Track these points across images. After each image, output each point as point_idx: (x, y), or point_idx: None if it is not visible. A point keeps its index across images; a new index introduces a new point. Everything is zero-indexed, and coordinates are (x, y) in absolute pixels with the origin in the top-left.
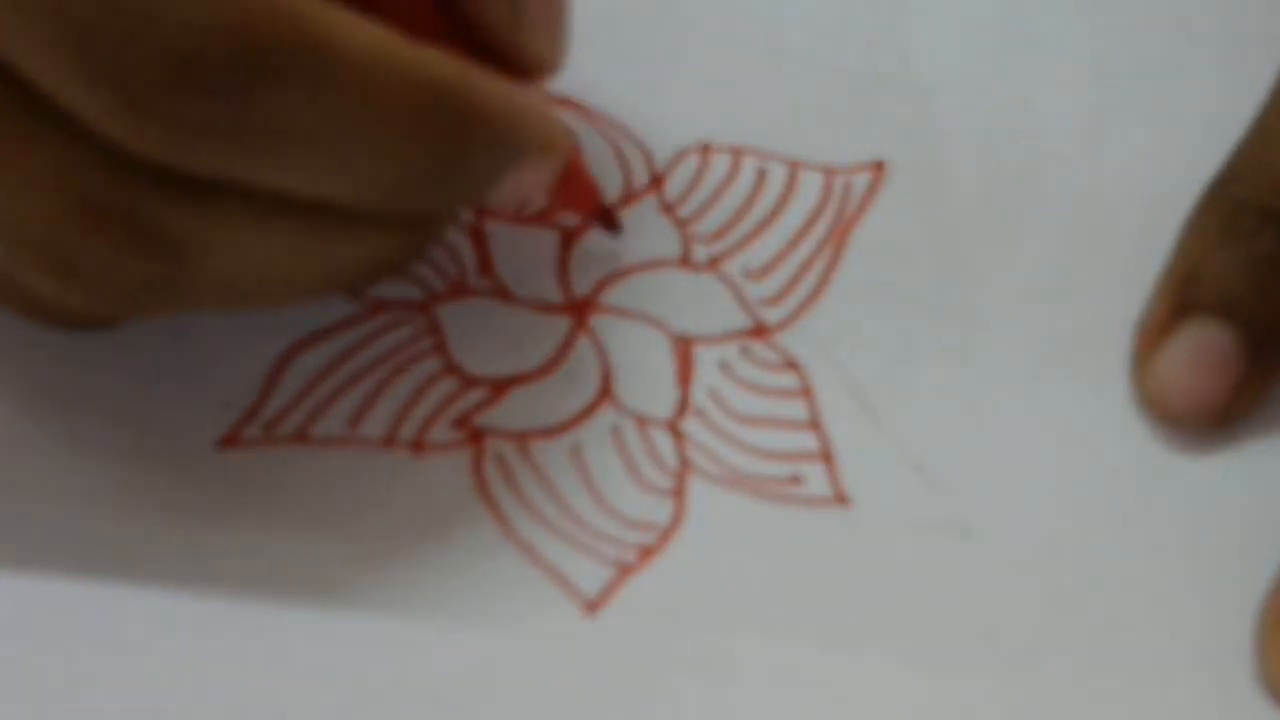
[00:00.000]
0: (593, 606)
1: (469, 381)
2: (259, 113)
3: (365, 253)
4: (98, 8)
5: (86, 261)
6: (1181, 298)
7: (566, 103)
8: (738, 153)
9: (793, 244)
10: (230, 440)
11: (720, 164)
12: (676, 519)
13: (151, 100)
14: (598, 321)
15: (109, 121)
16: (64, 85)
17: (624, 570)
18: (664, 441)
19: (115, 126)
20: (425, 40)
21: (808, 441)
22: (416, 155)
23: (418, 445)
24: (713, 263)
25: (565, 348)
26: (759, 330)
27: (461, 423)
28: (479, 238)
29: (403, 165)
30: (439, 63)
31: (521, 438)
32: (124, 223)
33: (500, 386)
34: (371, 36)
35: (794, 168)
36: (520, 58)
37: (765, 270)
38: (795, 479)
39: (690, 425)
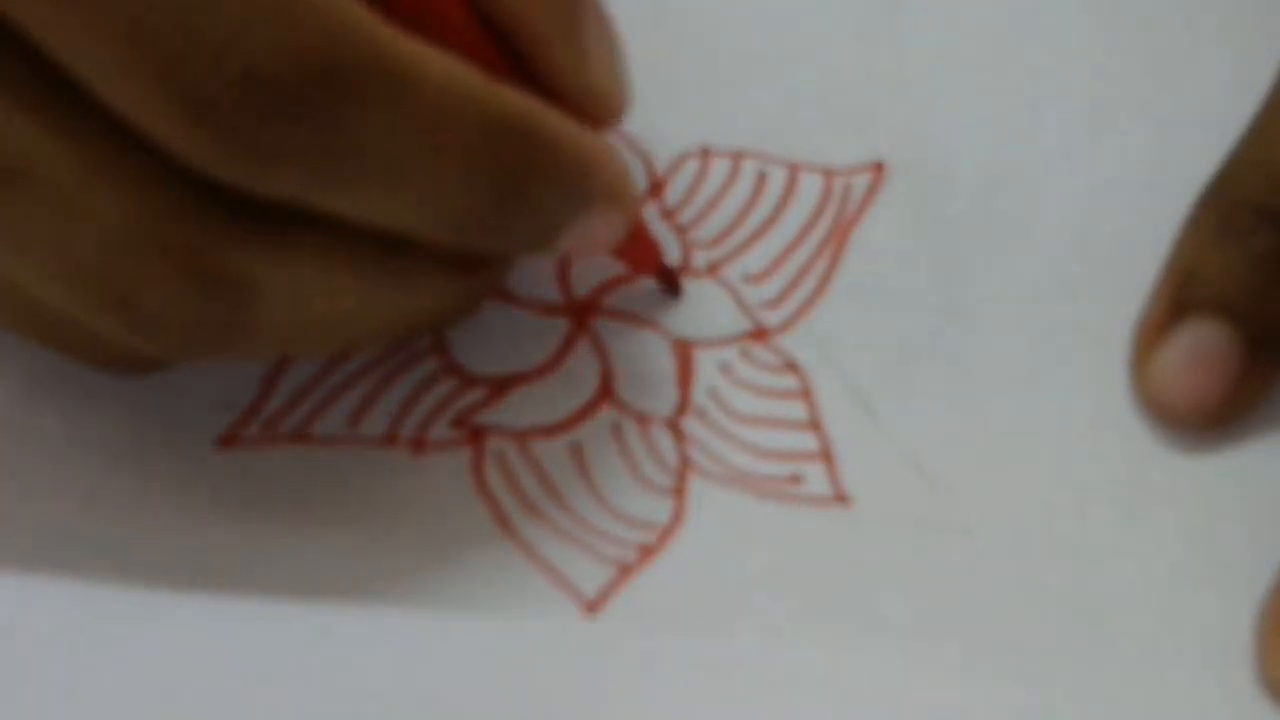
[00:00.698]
0: (593, 606)
1: (469, 381)
2: (340, 135)
3: (425, 301)
4: (183, 31)
5: (150, 301)
6: (1180, 297)
7: None
8: (738, 156)
9: (793, 246)
10: (230, 439)
11: (720, 168)
12: (677, 518)
13: (235, 123)
14: (598, 324)
15: (190, 147)
16: (144, 110)
17: (624, 570)
18: (664, 440)
19: (196, 152)
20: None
21: (808, 441)
22: (488, 186)
23: (417, 444)
24: (712, 268)
25: (565, 349)
26: (759, 333)
27: (461, 421)
28: None
29: (474, 196)
30: (512, 95)
31: (521, 436)
32: (189, 262)
33: (500, 386)
34: (446, 64)
35: (794, 170)
36: (587, 102)
37: (765, 273)
38: (795, 478)
39: (690, 424)
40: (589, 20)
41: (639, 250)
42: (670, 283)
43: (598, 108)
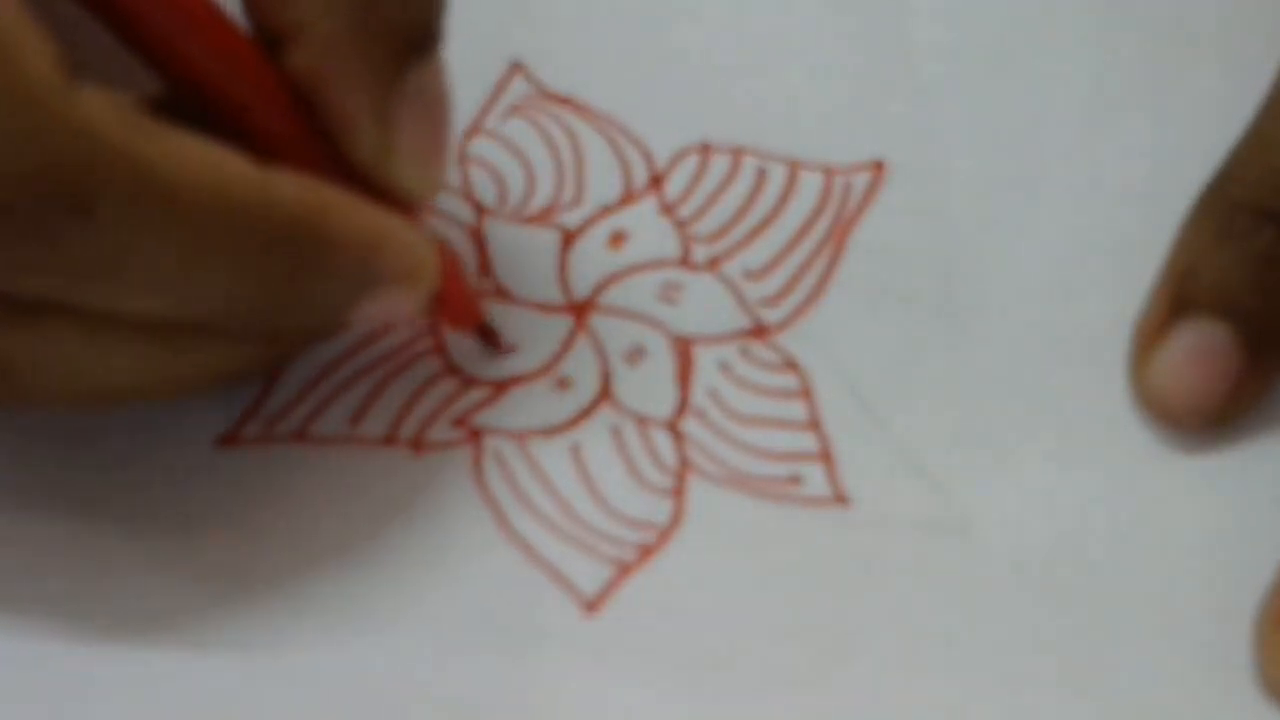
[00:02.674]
0: (592, 606)
1: (469, 381)
2: (78, 249)
3: (217, 364)
4: None
5: None
6: (1179, 296)
7: (567, 102)
8: (738, 153)
9: (792, 244)
10: (230, 438)
11: (720, 164)
12: (676, 519)
13: None
14: (597, 322)
15: None
16: None
17: (623, 569)
18: (664, 441)
19: None
20: (294, 161)
21: (807, 441)
22: (258, 283)
23: (418, 444)
24: (712, 263)
25: (565, 348)
26: (758, 330)
27: (461, 421)
28: (479, 238)
29: (243, 292)
30: (290, 189)
31: (521, 436)
32: None
33: (500, 386)
34: (210, 165)
35: (794, 168)
36: (390, 189)
37: (765, 270)
38: (795, 479)
39: (690, 425)
40: (406, 107)
41: (457, 308)
42: (489, 339)
43: (400, 193)
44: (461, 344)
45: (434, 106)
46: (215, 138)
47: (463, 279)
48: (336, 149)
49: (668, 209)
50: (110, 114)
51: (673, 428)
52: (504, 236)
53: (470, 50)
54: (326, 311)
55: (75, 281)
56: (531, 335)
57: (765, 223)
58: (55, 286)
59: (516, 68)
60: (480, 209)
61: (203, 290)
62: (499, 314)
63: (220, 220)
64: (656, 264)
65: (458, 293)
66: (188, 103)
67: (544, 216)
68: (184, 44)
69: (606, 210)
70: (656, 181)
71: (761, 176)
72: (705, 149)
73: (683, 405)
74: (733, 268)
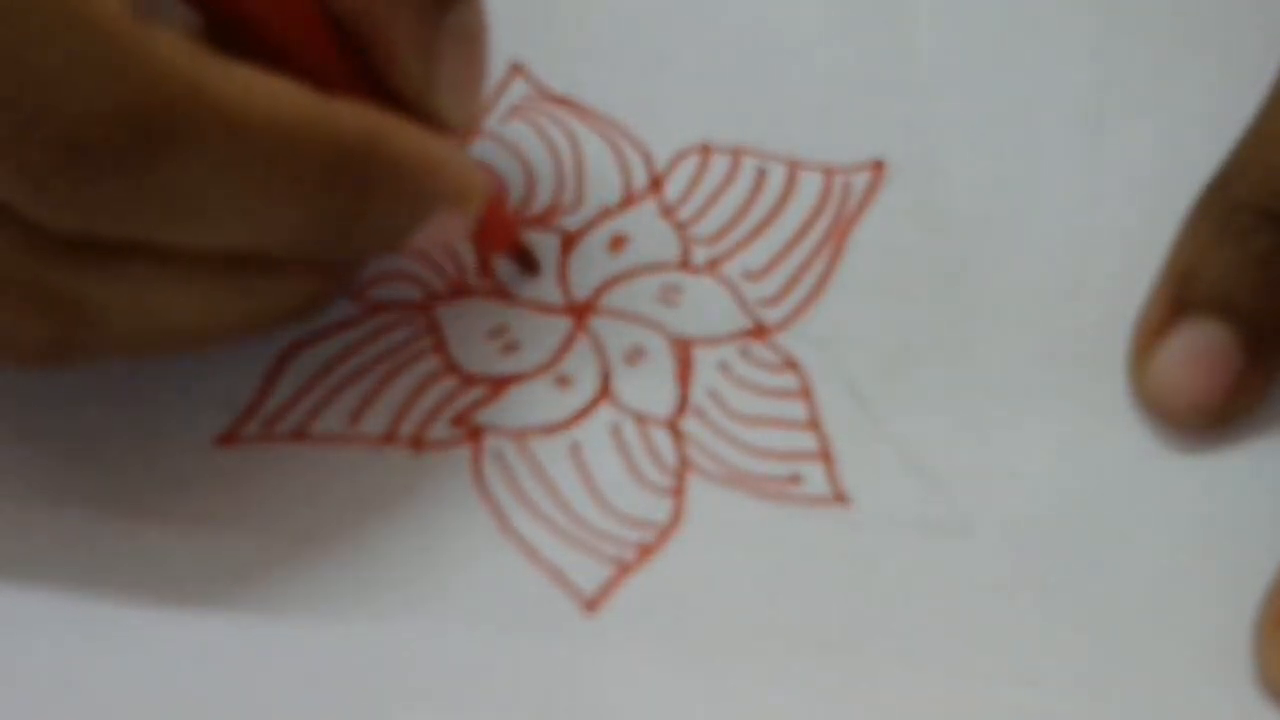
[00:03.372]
0: (592, 605)
1: (468, 380)
2: (159, 184)
3: (279, 301)
4: None
5: None
6: (1179, 296)
7: (567, 104)
8: (737, 153)
9: (792, 244)
10: (229, 437)
11: (720, 164)
12: (676, 518)
13: (53, 184)
14: (597, 323)
15: (15, 200)
16: None
17: (623, 569)
18: (663, 440)
19: (20, 205)
20: (339, 93)
21: (807, 441)
22: (325, 210)
23: (417, 443)
24: (712, 265)
25: (565, 348)
26: (758, 331)
27: (461, 420)
28: None
29: (311, 220)
30: (349, 116)
31: (521, 435)
32: (28, 290)
33: (499, 385)
34: (274, 96)
35: (793, 168)
36: (433, 117)
37: (765, 271)
38: (795, 478)
39: (690, 424)
40: (446, 41)
41: (497, 233)
42: (526, 262)
43: (443, 121)
44: (462, 342)
45: (474, 41)
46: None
47: (505, 202)
48: (379, 84)
49: (668, 211)
50: (181, 51)
51: (673, 427)
52: None
53: None
54: (386, 236)
55: (154, 219)
56: (531, 335)
57: (765, 223)
58: (135, 225)
59: (516, 69)
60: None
61: (274, 219)
62: (498, 312)
63: (290, 148)
64: (656, 267)
65: (499, 216)
66: (231, 40)
67: (544, 219)
68: None
69: (607, 213)
70: (656, 183)
71: (761, 177)
72: (705, 150)
73: (683, 404)
74: (732, 268)
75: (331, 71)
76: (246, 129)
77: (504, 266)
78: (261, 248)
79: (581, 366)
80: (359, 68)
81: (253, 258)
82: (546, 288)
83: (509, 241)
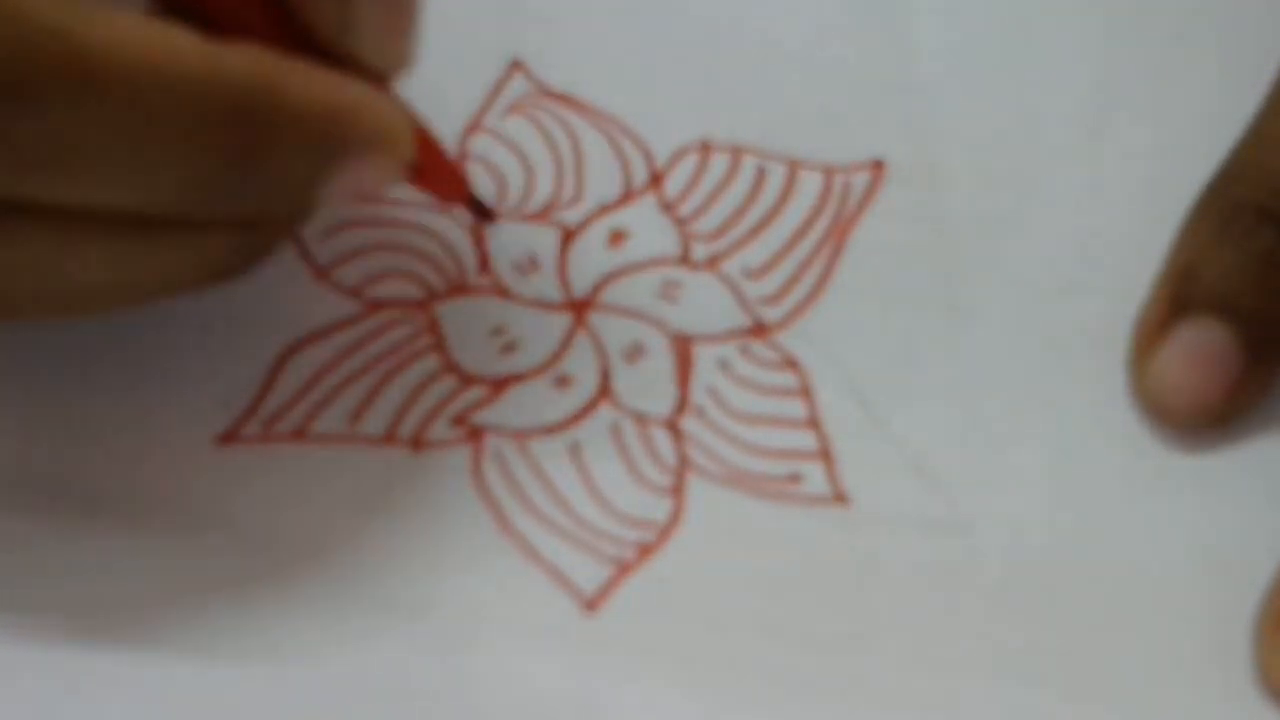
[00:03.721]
0: (591, 604)
1: (468, 380)
2: (26, 137)
3: (195, 259)
4: None
5: None
6: (1179, 296)
7: (566, 100)
8: (737, 151)
9: (792, 243)
10: (229, 437)
11: (720, 163)
12: (675, 517)
13: None
14: (597, 320)
15: None
16: None
17: (623, 568)
18: (663, 439)
19: None
20: (246, 37)
21: (807, 440)
22: (216, 162)
23: (417, 442)
24: (712, 262)
25: (564, 346)
26: (758, 329)
27: (461, 420)
28: (478, 236)
29: (202, 173)
30: (237, 61)
31: (521, 435)
32: None
33: (499, 385)
34: (152, 44)
35: (793, 167)
36: (354, 60)
37: (764, 269)
38: (794, 477)
39: (689, 423)
40: None
41: (442, 181)
42: (480, 211)
43: (365, 65)
44: (462, 341)
45: None
46: (159, 16)
47: (439, 149)
48: (298, 28)
49: (667, 207)
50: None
51: (672, 426)
52: (503, 234)
53: (470, 48)
54: (295, 187)
55: (25, 173)
56: (531, 333)
57: (765, 222)
58: (7, 181)
59: (516, 65)
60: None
61: (160, 173)
62: (498, 310)
63: (168, 97)
64: (656, 262)
65: (437, 163)
66: None
67: (544, 214)
68: None
69: (606, 208)
70: (656, 180)
71: (761, 175)
72: (705, 148)
73: (682, 403)
74: (732, 266)
75: (245, 18)
76: (118, 77)
77: (504, 265)
78: (154, 204)
79: (581, 364)
80: (276, 15)
81: (152, 215)
82: (546, 283)
83: (454, 189)
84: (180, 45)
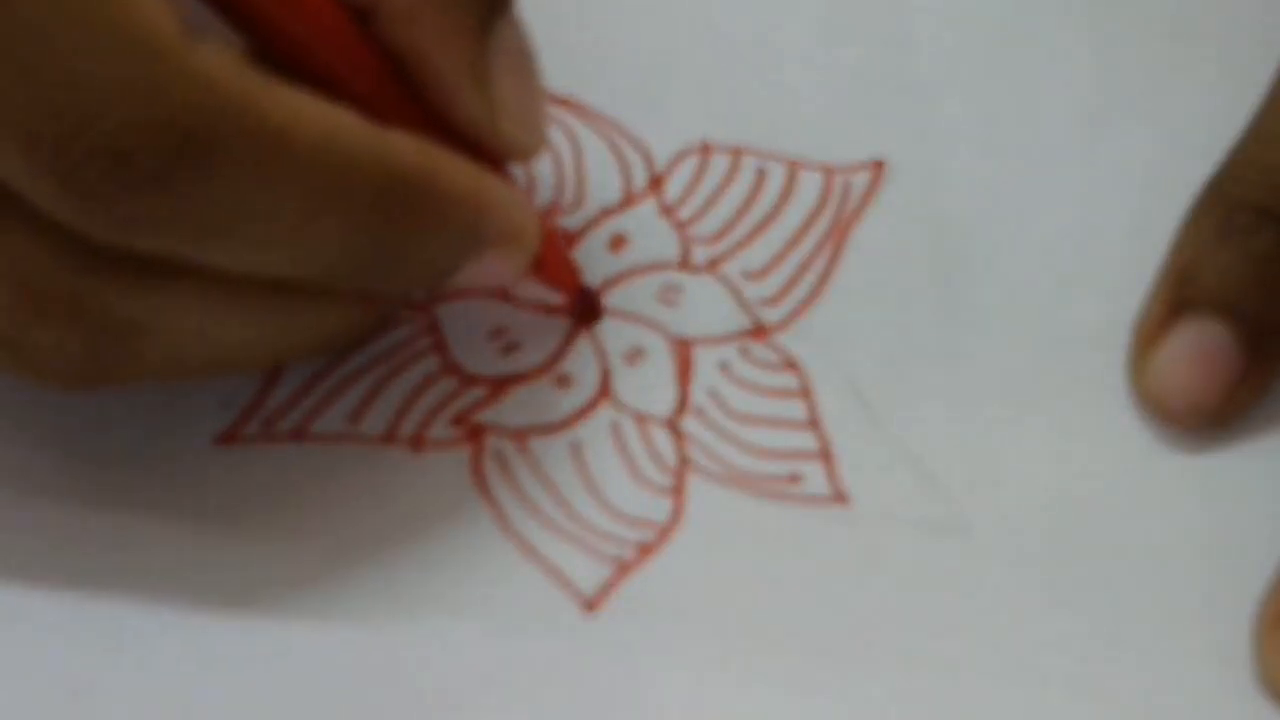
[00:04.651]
0: (591, 604)
1: (468, 380)
2: (201, 201)
3: (321, 329)
4: (44, 104)
5: (35, 344)
6: (1179, 295)
7: (566, 104)
8: (737, 153)
9: (792, 244)
10: (229, 437)
11: (720, 164)
12: (675, 517)
13: (98, 194)
14: (597, 322)
15: (60, 212)
16: (16, 178)
17: (622, 568)
18: (663, 439)
19: (66, 217)
20: (395, 124)
21: (807, 440)
22: (371, 240)
23: (417, 442)
24: (712, 264)
25: (565, 348)
26: (758, 331)
27: (460, 420)
28: None
29: (357, 249)
30: (401, 147)
31: (521, 435)
32: (71, 307)
33: (499, 385)
34: (325, 121)
35: (793, 167)
36: (496, 147)
37: (764, 270)
38: (794, 477)
39: (690, 423)
40: (500, 63)
41: (557, 274)
42: (587, 304)
43: (505, 153)
44: (462, 342)
45: (524, 60)
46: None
47: (560, 244)
48: (437, 116)
49: (667, 210)
50: (229, 68)
51: (672, 426)
52: None
53: None
54: (434, 271)
55: (196, 235)
56: (532, 335)
57: (765, 223)
58: (177, 241)
59: None
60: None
61: (319, 245)
62: (499, 312)
63: (337, 173)
64: (656, 266)
65: (557, 258)
66: (278, 68)
67: (544, 219)
68: (279, 12)
69: (607, 213)
70: (656, 183)
71: (761, 176)
72: (705, 149)
73: (683, 404)
74: (732, 268)
75: (383, 102)
76: (293, 149)
77: None
78: (306, 274)
79: (581, 366)
80: (415, 99)
81: (298, 284)
82: (547, 289)
83: (568, 284)
84: (350, 125)
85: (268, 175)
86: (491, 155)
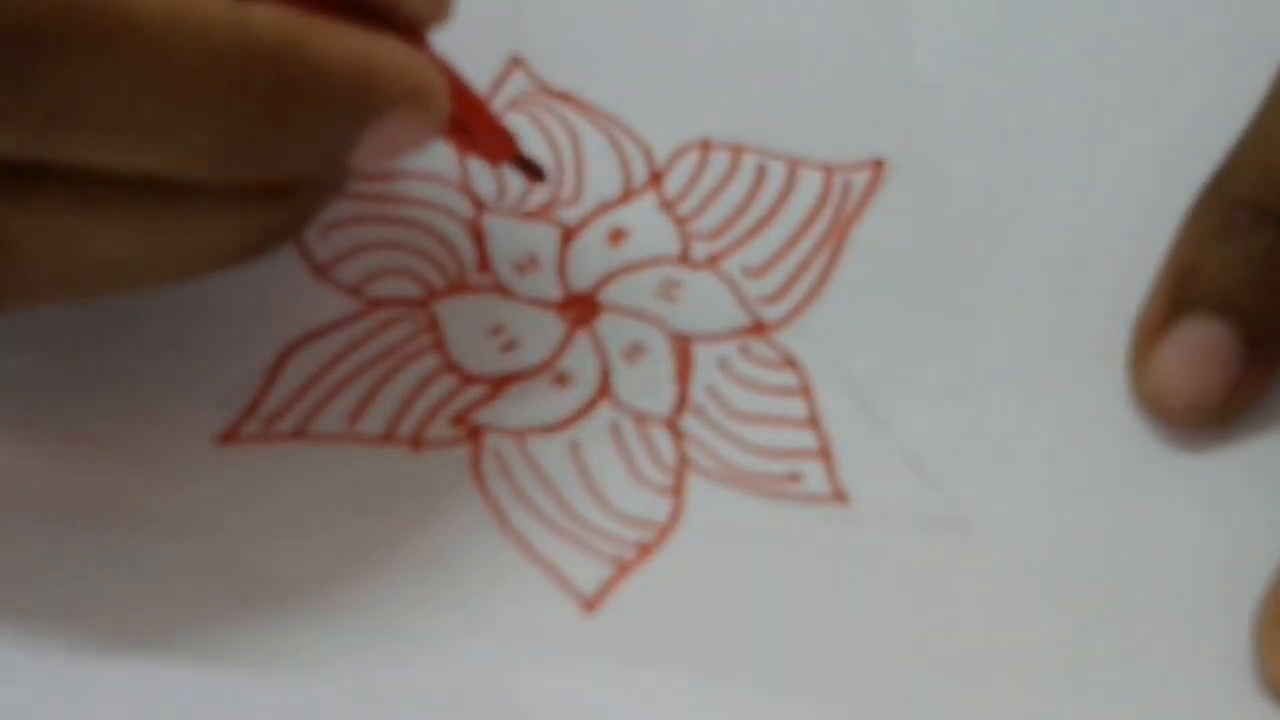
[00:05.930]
0: (590, 604)
1: (467, 379)
2: (45, 92)
3: (221, 233)
4: None
5: None
6: (1179, 294)
7: (567, 98)
8: (737, 150)
9: (792, 242)
10: (229, 436)
11: (720, 161)
12: (675, 516)
13: None
14: (596, 319)
15: None
16: None
17: (622, 568)
18: (663, 439)
19: None
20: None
21: (806, 439)
22: (240, 121)
23: (416, 441)
24: (712, 260)
25: (564, 345)
26: (758, 328)
27: (460, 419)
28: (478, 234)
29: (227, 133)
30: (260, 18)
31: (520, 435)
32: None
33: (499, 384)
34: None
35: (793, 165)
36: (392, 13)
37: (764, 268)
38: (794, 476)
39: (689, 422)
40: None
41: (488, 142)
42: (529, 169)
43: (404, 16)
44: (461, 340)
45: None
46: None
47: (484, 106)
48: None
49: (667, 206)
50: None
51: (672, 425)
52: (503, 231)
53: (469, 44)
54: (324, 148)
55: (45, 128)
56: (530, 332)
57: (765, 220)
58: (29, 137)
59: (516, 62)
60: (479, 203)
61: (184, 132)
62: (497, 309)
63: (191, 51)
64: (656, 261)
65: (485, 125)
66: None
67: (543, 212)
68: None
69: (606, 206)
70: (656, 178)
71: (761, 174)
72: (705, 146)
73: (682, 402)
74: (732, 265)
75: None
76: (143, 31)
77: (504, 263)
78: (180, 169)
79: (581, 363)
80: None
81: (177, 183)
82: (545, 282)
83: (501, 148)
84: (206, 1)
85: (118, 61)
86: (401, 25)
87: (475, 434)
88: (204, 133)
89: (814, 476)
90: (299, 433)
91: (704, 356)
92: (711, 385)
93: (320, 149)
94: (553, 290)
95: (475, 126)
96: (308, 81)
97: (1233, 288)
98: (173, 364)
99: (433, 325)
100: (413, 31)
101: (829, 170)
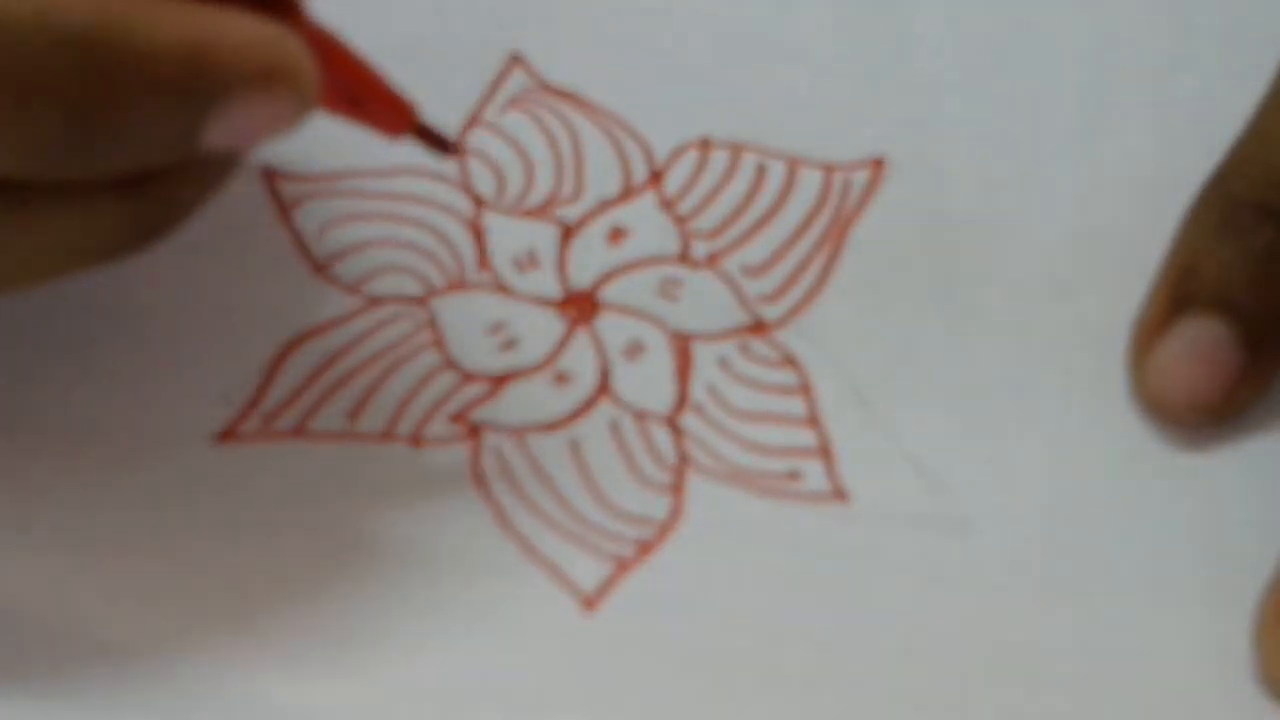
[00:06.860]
0: (590, 602)
1: (467, 376)
2: None
3: (71, 230)
4: None
5: None
6: (1179, 293)
7: (567, 96)
8: (737, 149)
9: (792, 241)
10: (228, 434)
11: (720, 160)
12: (675, 514)
13: None
14: (596, 317)
15: None
16: None
17: (622, 566)
18: (662, 437)
19: None
20: None
21: (806, 437)
22: (53, 116)
23: (416, 439)
24: (711, 259)
25: (564, 343)
26: (758, 327)
27: (460, 417)
28: (478, 232)
29: (39, 129)
30: (69, 5)
31: (520, 433)
32: None
33: (498, 382)
34: None
35: (793, 164)
36: None
37: (764, 267)
38: (794, 475)
39: (689, 421)
40: None
41: (384, 112)
42: (434, 141)
43: None
44: (461, 338)
45: None
46: None
47: (378, 79)
48: None
49: (667, 204)
50: None
51: (672, 423)
52: (503, 229)
53: (469, 42)
54: (163, 138)
55: None
56: (530, 330)
57: (765, 219)
58: None
59: (516, 60)
60: (479, 201)
61: (3, 130)
62: (497, 306)
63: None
64: (656, 260)
65: (374, 93)
66: None
67: (543, 210)
68: None
69: (606, 205)
70: (656, 177)
71: (761, 173)
72: (705, 145)
73: (682, 401)
74: (732, 264)
75: None
76: None
77: (504, 260)
78: (6, 167)
79: (580, 361)
80: None
81: (12, 181)
82: (545, 280)
83: (400, 121)
84: None
85: None
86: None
87: (475, 432)
88: (15, 132)
89: (814, 475)
90: (298, 430)
91: (704, 355)
92: (711, 383)
93: (157, 140)
94: (552, 288)
95: (368, 98)
96: (127, 70)
97: (1233, 287)
98: (172, 361)
99: (432, 323)
100: (282, 3)
101: (829, 169)
